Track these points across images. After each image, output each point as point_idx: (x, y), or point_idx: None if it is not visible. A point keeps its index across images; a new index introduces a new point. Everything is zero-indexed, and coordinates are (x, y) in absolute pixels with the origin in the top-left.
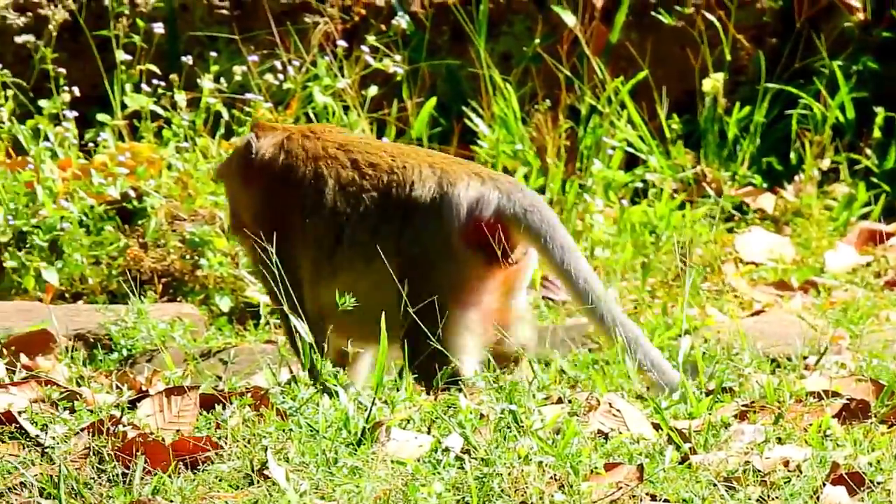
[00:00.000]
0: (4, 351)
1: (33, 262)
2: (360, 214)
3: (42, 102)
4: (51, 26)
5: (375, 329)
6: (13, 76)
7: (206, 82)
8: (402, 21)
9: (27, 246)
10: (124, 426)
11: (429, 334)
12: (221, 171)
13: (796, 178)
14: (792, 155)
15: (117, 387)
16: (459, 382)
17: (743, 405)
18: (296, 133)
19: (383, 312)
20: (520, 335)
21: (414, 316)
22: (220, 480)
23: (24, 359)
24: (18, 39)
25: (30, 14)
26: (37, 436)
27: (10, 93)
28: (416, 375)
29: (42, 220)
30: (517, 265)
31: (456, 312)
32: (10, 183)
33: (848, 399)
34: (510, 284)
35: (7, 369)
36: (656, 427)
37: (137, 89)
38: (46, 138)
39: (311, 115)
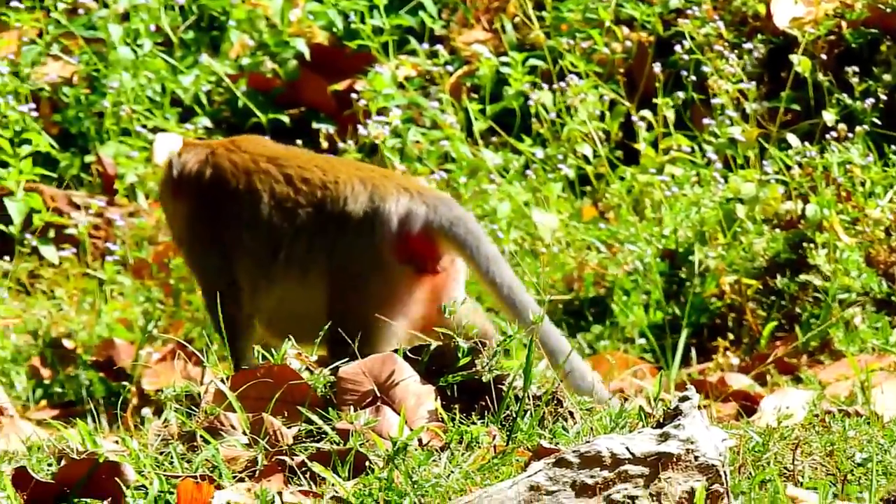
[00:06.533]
0: None
1: None
2: (295, 229)
3: None
4: None
5: (312, 336)
6: None
7: None
8: None
9: None
10: None
11: (350, 342)
12: (158, 192)
13: None
14: None
15: None
16: None
17: None
18: (219, 147)
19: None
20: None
21: (340, 328)
22: None
23: None
24: None
25: None
26: None
27: None
28: None
29: None
30: (444, 273)
31: (383, 322)
32: None
33: None
34: (438, 292)
35: None
36: None
37: None
38: None
39: None
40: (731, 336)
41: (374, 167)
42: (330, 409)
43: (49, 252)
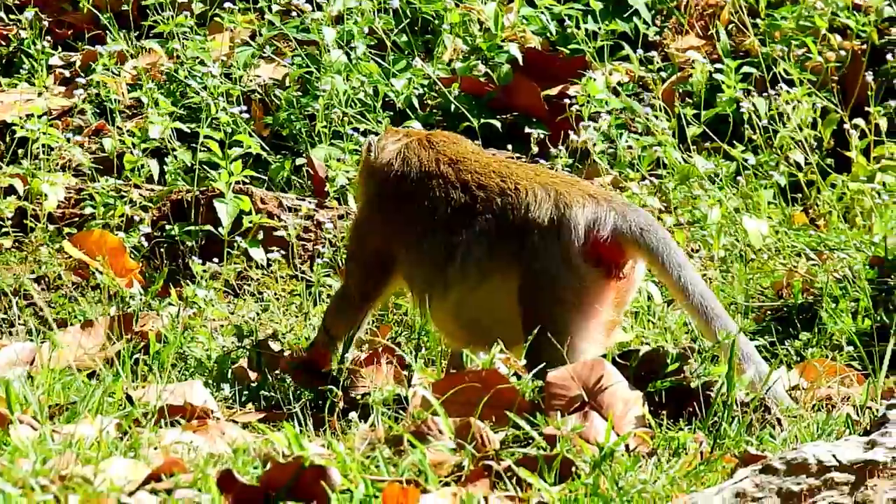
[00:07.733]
0: None
1: None
2: (474, 234)
3: None
4: None
5: (488, 337)
6: None
7: None
8: None
9: None
10: None
11: (556, 343)
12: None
13: None
14: None
15: None
16: None
17: None
18: (415, 141)
19: (502, 322)
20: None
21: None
22: None
23: None
24: None
25: None
26: None
27: None
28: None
29: None
30: (626, 279)
31: (580, 322)
32: None
33: None
34: (621, 297)
35: None
36: None
37: None
38: None
39: None
40: None
41: (554, 173)
42: (537, 413)
43: (258, 254)
